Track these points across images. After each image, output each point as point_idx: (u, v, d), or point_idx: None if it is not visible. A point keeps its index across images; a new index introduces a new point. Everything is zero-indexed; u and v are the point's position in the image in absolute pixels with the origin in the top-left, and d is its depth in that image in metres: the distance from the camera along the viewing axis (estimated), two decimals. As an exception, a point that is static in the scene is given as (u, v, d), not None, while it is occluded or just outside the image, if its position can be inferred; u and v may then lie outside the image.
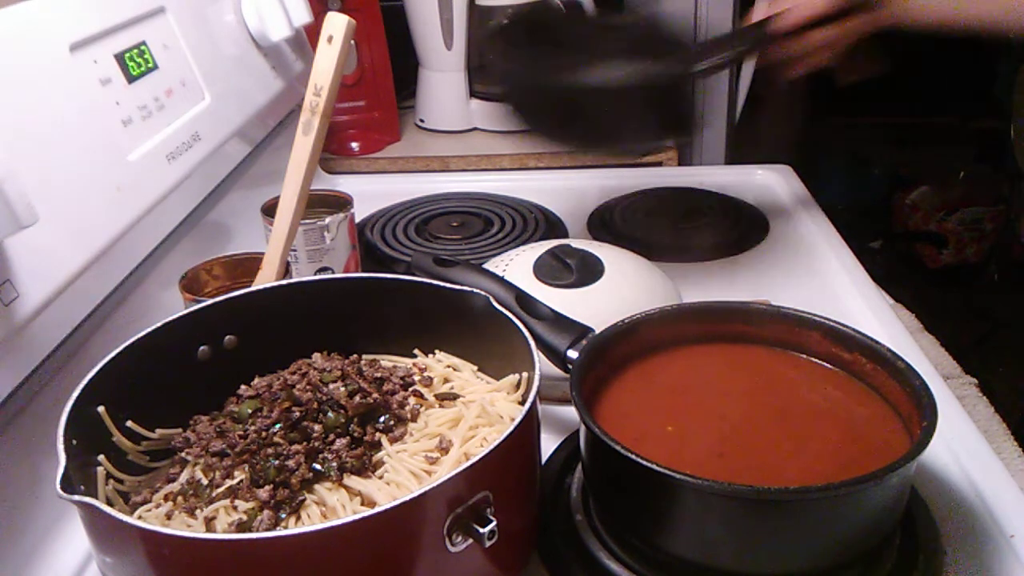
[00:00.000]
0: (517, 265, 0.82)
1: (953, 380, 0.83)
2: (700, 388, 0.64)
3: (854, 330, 0.62)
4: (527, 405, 0.52)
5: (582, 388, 0.58)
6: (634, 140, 0.98)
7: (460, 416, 0.60)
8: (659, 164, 1.33)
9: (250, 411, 0.59)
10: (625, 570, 0.57)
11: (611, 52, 0.86)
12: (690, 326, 0.67)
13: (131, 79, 0.75)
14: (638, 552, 0.57)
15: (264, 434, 0.57)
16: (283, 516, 0.53)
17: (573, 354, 0.62)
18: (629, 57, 0.84)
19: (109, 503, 0.54)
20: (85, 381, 0.55)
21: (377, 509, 0.46)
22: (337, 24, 0.67)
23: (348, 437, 0.58)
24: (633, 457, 0.51)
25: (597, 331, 0.63)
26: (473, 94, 1.41)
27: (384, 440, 0.58)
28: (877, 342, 0.61)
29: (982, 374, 0.90)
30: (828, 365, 0.64)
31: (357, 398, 0.59)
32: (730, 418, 0.60)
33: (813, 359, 0.64)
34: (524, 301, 0.65)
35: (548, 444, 0.67)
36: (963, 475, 0.66)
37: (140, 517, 0.55)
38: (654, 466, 0.51)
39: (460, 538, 0.48)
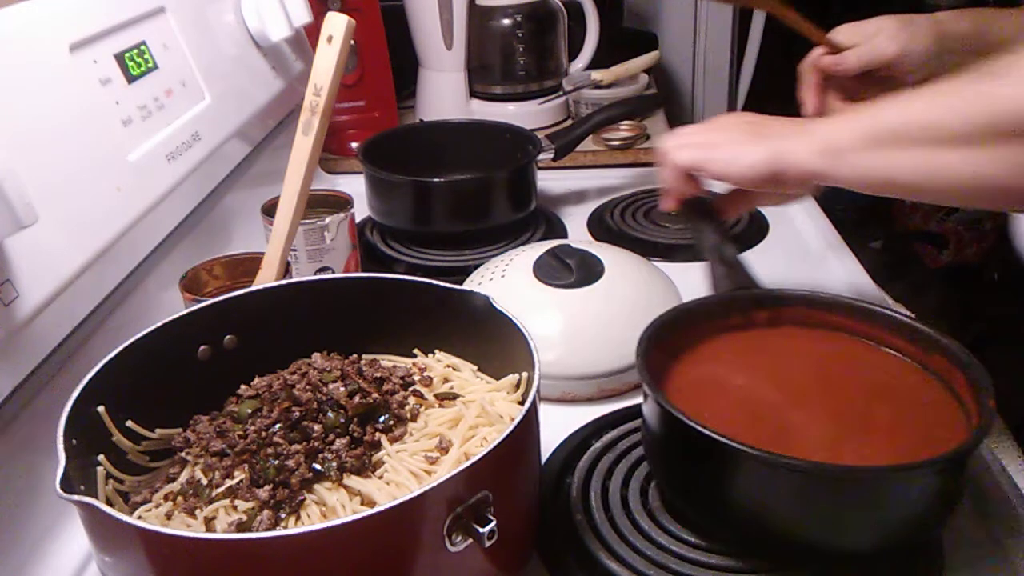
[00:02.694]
0: (517, 265, 0.82)
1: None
2: (769, 369, 0.65)
3: (926, 325, 0.64)
4: (527, 405, 0.52)
5: (648, 361, 0.60)
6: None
7: (460, 416, 0.60)
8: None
9: (250, 411, 0.59)
10: (624, 569, 0.57)
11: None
12: (760, 310, 0.69)
13: (131, 79, 0.75)
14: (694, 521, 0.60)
15: (264, 434, 0.57)
16: (283, 516, 0.53)
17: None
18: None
19: (109, 503, 0.54)
20: (85, 381, 0.55)
21: (377, 509, 0.46)
22: (337, 24, 0.67)
23: (348, 437, 0.58)
24: (707, 432, 0.53)
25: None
26: (473, 94, 1.41)
27: (384, 440, 0.58)
28: (944, 335, 0.62)
29: (982, 374, 0.90)
30: (898, 355, 0.65)
31: (357, 398, 0.59)
32: (788, 401, 0.62)
33: (884, 348, 0.66)
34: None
35: (548, 444, 0.67)
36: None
37: (140, 517, 0.55)
38: (727, 440, 0.52)
39: (460, 538, 0.48)
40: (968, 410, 0.59)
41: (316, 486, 0.55)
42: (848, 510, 0.53)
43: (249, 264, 0.77)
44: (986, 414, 0.55)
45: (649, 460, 0.65)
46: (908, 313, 0.66)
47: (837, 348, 0.67)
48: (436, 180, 1.01)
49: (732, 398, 0.63)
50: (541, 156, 1.07)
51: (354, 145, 1.31)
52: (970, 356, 0.60)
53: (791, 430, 0.59)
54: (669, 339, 0.65)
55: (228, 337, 0.65)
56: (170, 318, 0.62)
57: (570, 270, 0.80)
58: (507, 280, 0.81)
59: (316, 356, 0.65)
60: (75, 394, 0.54)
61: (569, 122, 1.41)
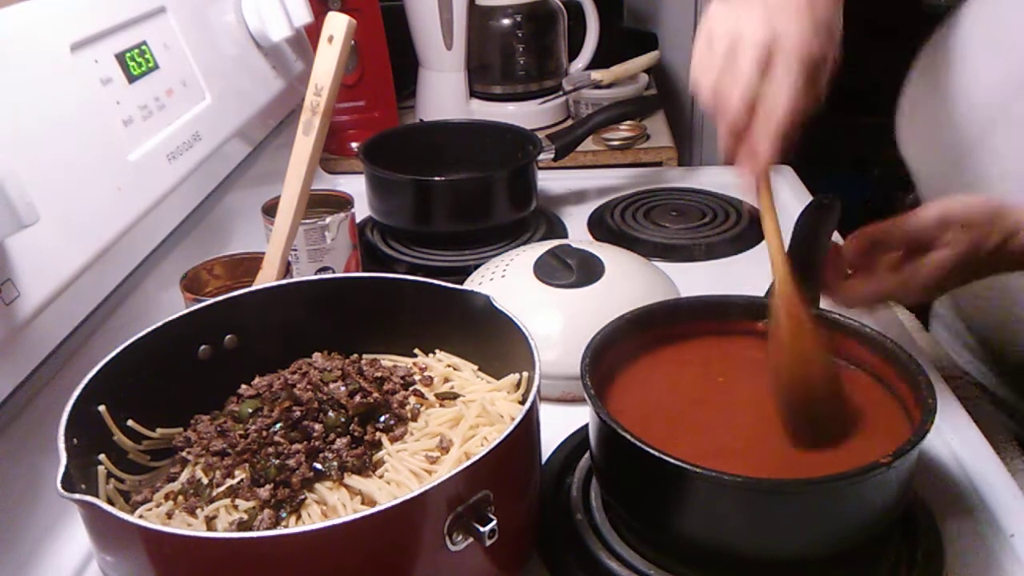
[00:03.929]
0: (517, 265, 0.82)
1: (953, 380, 0.83)
2: (709, 380, 0.64)
3: (862, 324, 0.63)
4: (527, 404, 0.52)
5: (594, 375, 0.59)
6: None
7: (460, 415, 0.60)
8: (659, 164, 1.33)
9: (251, 410, 0.59)
10: (625, 569, 0.57)
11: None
12: (697, 320, 0.68)
13: (132, 79, 0.75)
14: (641, 535, 0.58)
15: (265, 433, 0.57)
16: (283, 515, 0.53)
17: None
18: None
19: (110, 502, 0.54)
20: (86, 380, 0.55)
21: (377, 508, 0.46)
22: (337, 24, 0.67)
23: (348, 436, 0.58)
24: (649, 450, 0.52)
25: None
26: (473, 94, 1.42)
27: (384, 439, 0.59)
28: (884, 336, 0.62)
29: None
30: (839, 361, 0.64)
31: (357, 397, 0.59)
32: (738, 410, 0.61)
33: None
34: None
35: (548, 444, 0.67)
36: (963, 475, 0.66)
37: (141, 516, 0.55)
38: (669, 459, 0.51)
39: (460, 537, 0.48)
40: (907, 408, 0.58)
41: (317, 485, 0.55)
42: (791, 522, 0.52)
43: (249, 264, 0.77)
44: (927, 412, 0.54)
45: (596, 476, 0.64)
46: (863, 321, 0.64)
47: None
48: (437, 180, 1.01)
49: (673, 411, 0.62)
50: (541, 156, 1.08)
51: (354, 145, 1.31)
52: (908, 355, 0.59)
53: (729, 440, 0.59)
54: (612, 352, 0.63)
55: (228, 337, 0.65)
56: (170, 318, 0.62)
57: (570, 270, 0.80)
58: (507, 280, 0.81)
59: (317, 356, 0.65)
60: (76, 393, 0.54)
61: (569, 122, 1.41)
